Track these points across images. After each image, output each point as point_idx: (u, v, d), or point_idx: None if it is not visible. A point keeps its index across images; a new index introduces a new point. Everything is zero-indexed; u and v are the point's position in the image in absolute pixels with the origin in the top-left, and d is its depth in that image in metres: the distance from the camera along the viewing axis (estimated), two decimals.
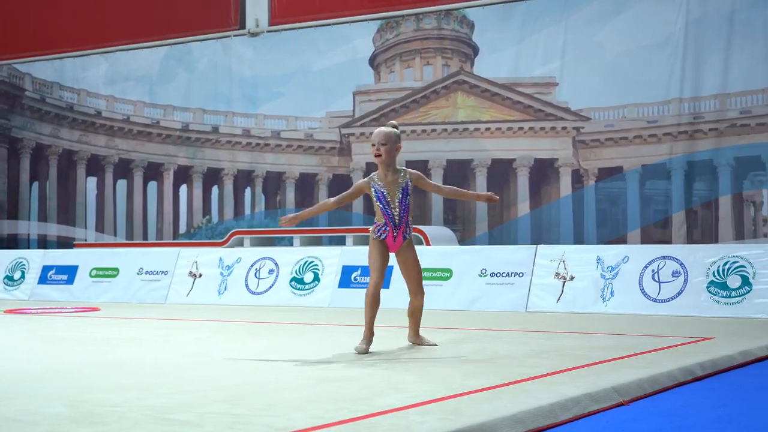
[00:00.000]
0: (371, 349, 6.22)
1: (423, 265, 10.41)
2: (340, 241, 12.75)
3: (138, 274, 12.60)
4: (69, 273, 13.18)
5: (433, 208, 13.62)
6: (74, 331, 8.51)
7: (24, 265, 13.63)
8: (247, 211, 15.27)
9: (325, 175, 14.57)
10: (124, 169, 16.40)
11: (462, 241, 12.91)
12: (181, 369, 5.49)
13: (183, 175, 15.85)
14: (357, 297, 10.66)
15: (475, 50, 13.58)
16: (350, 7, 14.34)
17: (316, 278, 11.20)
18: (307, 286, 11.21)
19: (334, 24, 14.51)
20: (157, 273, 12.46)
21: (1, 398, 4.41)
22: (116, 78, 16.42)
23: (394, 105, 14.06)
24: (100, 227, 16.56)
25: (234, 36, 15.34)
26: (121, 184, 16.43)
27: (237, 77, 15.33)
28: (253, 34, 15.15)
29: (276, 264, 11.58)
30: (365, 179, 6.39)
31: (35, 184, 17.27)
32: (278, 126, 15.01)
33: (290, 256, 11.61)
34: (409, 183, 6.25)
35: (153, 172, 16.12)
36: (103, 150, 16.54)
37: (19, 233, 17.33)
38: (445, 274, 10.51)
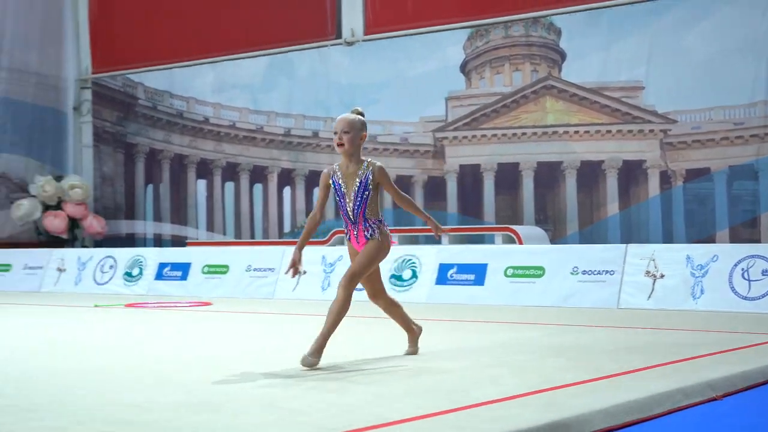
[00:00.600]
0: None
1: (515, 263, 10.68)
2: (437, 241, 12.86)
3: (246, 270, 12.86)
4: (183, 270, 13.52)
5: (525, 208, 13.64)
6: (191, 323, 8.76)
7: (141, 262, 14.03)
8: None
9: (420, 177, 14.68)
10: (231, 172, 16.70)
11: (553, 240, 12.88)
12: (290, 361, 5.56)
13: (286, 177, 16.08)
14: (453, 293, 10.89)
15: (563, 56, 13.53)
16: (442, 17, 14.39)
17: (414, 275, 11.32)
18: (405, 283, 11.34)
19: (426, 33, 14.56)
20: (264, 270, 12.70)
21: (124, 387, 4.64)
22: (222, 86, 16.73)
23: (485, 110, 14.08)
24: (210, 227, 16.90)
25: (331, 46, 15.48)
26: (229, 186, 16.72)
27: (335, 85, 15.49)
28: (349, 44, 15.29)
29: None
30: (328, 169, 5.64)
31: (150, 187, 17.67)
32: (375, 130, 15.12)
33: (389, 255, 11.75)
34: (370, 177, 5.43)
35: (258, 174, 16.39)
36: (211, 154, 16.87)
37: (137, 233, 17.76)
38: (538, 271, 10.51)
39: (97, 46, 18.32)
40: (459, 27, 14.33)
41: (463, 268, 11.09)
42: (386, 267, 11.44)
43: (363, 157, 5.52)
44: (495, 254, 11.09)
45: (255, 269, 12.79)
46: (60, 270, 14.78)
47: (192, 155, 17.03)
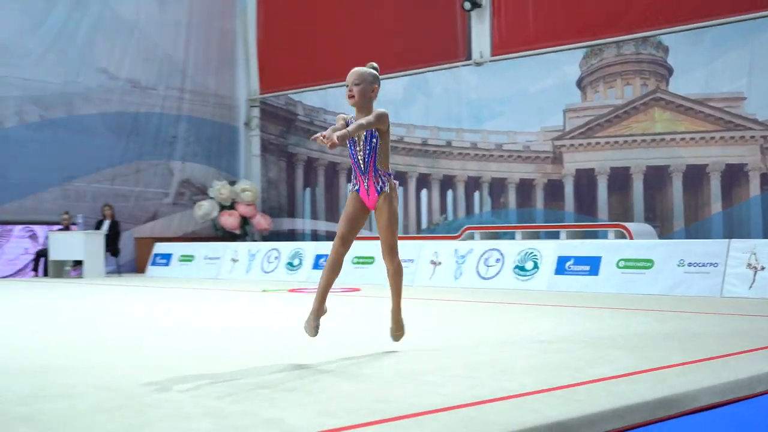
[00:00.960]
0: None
1: (627, 255, 10.55)
2: (555, 236, 12.75)
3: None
4: None
5: (635, 207, 13.43)
6: (344, 306, 8.80)
7: (301, 254, 14.38)
8: (476, 210, 15.44)
9: (541, 180, 14.59)
10: None
11: (661, 236, 12.62)
12: (430, 340, 5.63)
13: (423, 181, 16.23)
14: (570, 282, 10.80)
15: (670, 71, 13.25)
16: (560, 39, 14.28)
17: (536, 266, 11.27)
18: (528, 273, 11.30)
19: (546, 53, 14.49)
20: (405, 261, 12.57)
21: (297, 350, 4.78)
22: None
23: (599, 120, 13.91)
24: None
25: (462, 66, 15.54)
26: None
27: (465, 100, 15.54)
28: (478, 64, 15.32)
29: (501, 254, 11.71)
30: (346, 115, 4.83)
31: (307, 190, 18.06)
32: (500, 139, 15.13)
33: (513, 248, 11.71)
34: None
35: (399, 179, 16.50)
36: None
37: (296, 229, 18.19)
38: (648, 263, 10.33)
39: (264, 71, 18.88)
40: (575, 47, 14.21)
41: (580, 260, 10.99)
42: (510, 260, 11.45)
43: (375, 108, 4.73)
44: (608, 248, 10.95)
45: (405, 261, 12.91)
46: (234, 260, 15.33)
47: (343, 162, 17.32)
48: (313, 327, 4.75)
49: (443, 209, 15.95)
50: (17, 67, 16.15)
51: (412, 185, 16.36)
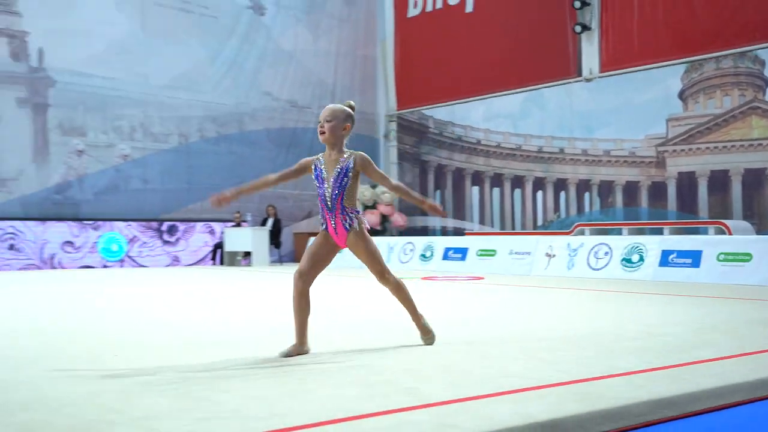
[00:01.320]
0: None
1: (726, 249, 10.06)
2: (659, 232, 12.31)
3: (509, 254, 12.89)
4: (462, 253, 13.76)
5: (733, 206, 12.83)
6: (469, 292, 8.76)
7: (433, 247, 14.39)
8: (587, 209, 15.10)
9: (645, 182, 14.12)
10: (497, 180, 16.79)
11: (759, 232, 11.99)
12: (543, 322, 5.54)
13: (538, 184, 15.97)
14: (673, 274, 10.42)
15: (767, 82, 12.55)
16: (663, 55, 13.81)
17: (641, 259, 10.91)
18: (634, 265, 10.95)
19: (650, 69, 14.02)
20: (522, 253, 12.69)
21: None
22: (490, 116, 16.86)
23: (699, 127, 13.35)
24: (482, 221, 17.07)
25: (574, 82, 15.23)
26: (496, 191, 16.80)
27: (576, 112, 15.22)
28: (588, 80, 14.98)
29: (609, 248, 11.41)
30: (313, 157, 4.27)
31: (437, 192, 18.07)
32: (608, 146, 14.73)
33: (620, 242, 11.38)
34: (351, 165, 4.11)
35: (517, 182, 16.37)
36: (482, 167, 17.03)
37: (429, 225, 18.24)
38: (746, 257, 9.83)
39: (400, 90, 19.03)
40: (677, 63, 13.70)
41: (682, 253, 10.54)
42: (617, 253, 11.10)
43: (347, 149, 4.20)
44: (709, 243, 10.47)
45: (516, 253, 12.81)
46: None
47: (468, 168, 17.27)
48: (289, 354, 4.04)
49: (556, 208, 15.66)
50: (199, 92, 16.87)
51: (528, 187, 16.14)
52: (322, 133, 4.15)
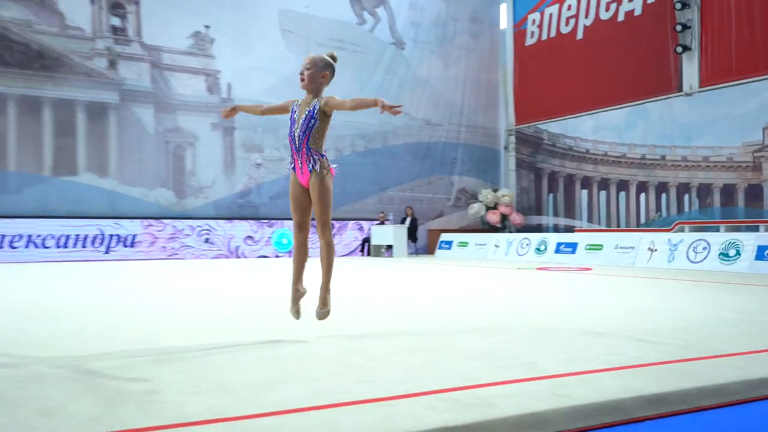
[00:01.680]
0: None
1: None
2: (755, 230, 11.48)
3: (615, 248, 12.45)
4: (572, 247, 13.40)
5: None
6: (579, 281, 8.45)
7: (546, 241, 14.07)
8: (686, 209, 14.29)
9: (742, 185, 13.18)
10: (604, 184, 16.19)
11: None
12: (647, 307, 5.26)
13: (641, 187, 15.25)
14: None
15: None
16: (759, 70, 12.85)
17: (738, 253, 10.24)
18: (730, 259, 10.29)
19: (747, 83, 13.07)
20: (627, 248, 12.22)
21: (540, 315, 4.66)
22: (598, 128, 16.28)
23: None
24: (590, 219, 16.50)
25: (675, 97, 14.44)
26: (603, 194, 16.21)
27: (677, 123, 14.43)
28: (688, 95, 14.16)
29: (708, 243, 10.79)
30: (293, 100, 3.81)
31: (550, 195, 17.62)
32: (707, 153, 13.86)
33: (718, 238, 10.73)
34: (317, 106, 3.67)
35: (622, 186, 15.72)
36: (590, 173, 16.47)
37: (542, 223, 17.81)
38: None
39: (518, 108, 18.70)
40: None
41: None
42: (715, 248, 10.45)
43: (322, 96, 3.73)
44: None
45: (621, 247, 12.34)
46: (496, 246, 15.30)
47: (577, 174, 16.76)
48: (295, 312, 3.78)
49: (658, 208, 14.92)
50: (351, 114, 17.26)
51: (632, 190, 15.45)
52: (302, 80, 3.71)
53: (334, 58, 3.73)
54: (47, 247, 13.42)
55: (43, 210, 13.72)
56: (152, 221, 14.55)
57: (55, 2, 14.25)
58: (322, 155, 3.65)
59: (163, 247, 14.68)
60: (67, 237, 13.64)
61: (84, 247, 13.78)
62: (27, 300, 5.95)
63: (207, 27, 15.69)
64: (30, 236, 13.28)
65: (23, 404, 2.35)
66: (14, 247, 13.15)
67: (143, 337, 3.81)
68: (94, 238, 13.89)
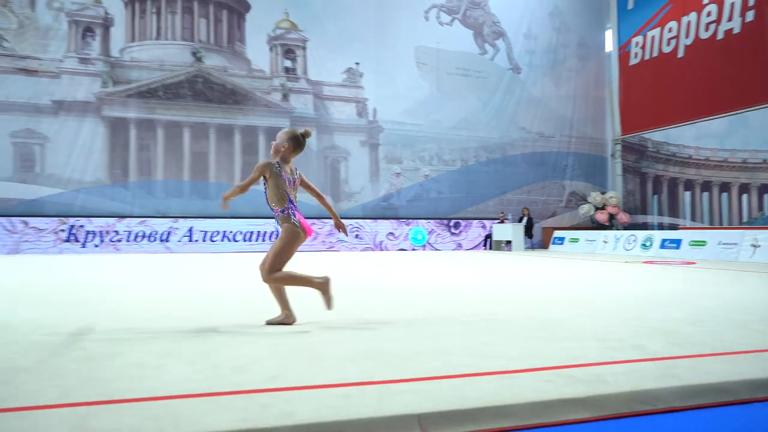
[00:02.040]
0: None
1: None
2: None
3: (718, 244, 11.37)
4: (676, 243, 12.43)
5: None
6: (680, 273, 7.73)
7: (651, 238, 13.16)
8: None
9: None
10: (706, 186, 14.86)
11: None
12: (752, 297, 4.71)
13: (744, 189, 13.78)
14: None
15: None
16: None
17: None
18: None
19: None
20: (730, 244, 11.12)
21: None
22: (699, 136, 14.99)
23: None
24: (693, 217, 15.22)
25: None
26: (705, 195, 14.87)
27: None
28: None
29: None
30: (268, 162, 3.44)
31: (655, 197, 16.47)
32: None
33: None
34: (297, 178, 3.50)
35: (724, 187, 14.35)
36: (693, 176, 15.18)
37: (648, 222, 16.69)
38: None
39: (623, 120, 17.61)
40: None
41: None
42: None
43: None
44: None
45: (724, 243, 11.26)
46: (604, 242, 14.50)
47: (681, 177, 15.52)
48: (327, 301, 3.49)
49: (760, 207, 13.43)
50: (475, 130, 17.13)
51: (734, 192, 14.04)
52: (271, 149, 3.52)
53: (304, 135, 3.52)
54: (236, 241, 14.56)
55: (234, 212, 14.86)
56: (315, 221, 15.25)
57: (244, 51, 15.35)
58: (282, 211, 3.44)
59: (323, 241, 15.34)
60: (251, 233, 14.71)
61: (264, 241, 14.75)
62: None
63: (357, 63, 16.20)
64: (224, 233, 14.48)
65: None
66: (213, 241, 14.40)
67: (346, 309, 3.98)
68: (272, 234, 14.83)
